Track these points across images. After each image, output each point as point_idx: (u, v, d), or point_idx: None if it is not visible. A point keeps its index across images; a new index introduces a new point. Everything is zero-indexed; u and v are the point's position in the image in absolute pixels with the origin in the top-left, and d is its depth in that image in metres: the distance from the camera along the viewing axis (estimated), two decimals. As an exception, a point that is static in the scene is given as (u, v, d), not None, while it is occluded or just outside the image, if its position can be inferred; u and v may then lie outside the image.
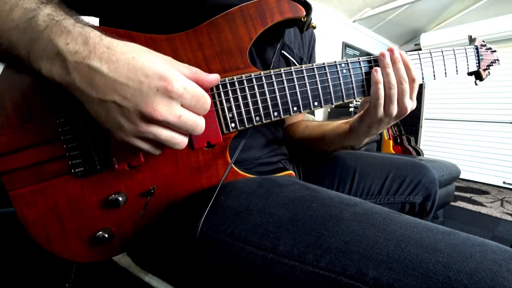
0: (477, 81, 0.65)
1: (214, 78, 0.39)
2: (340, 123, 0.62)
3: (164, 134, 0.34)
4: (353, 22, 3.46)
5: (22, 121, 0.41)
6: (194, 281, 0.41)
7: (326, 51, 3.13)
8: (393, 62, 0.47)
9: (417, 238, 0.28)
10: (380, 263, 0.27)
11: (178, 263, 0.42)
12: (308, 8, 0.47)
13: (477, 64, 0.61)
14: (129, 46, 0.32)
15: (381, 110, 0.49)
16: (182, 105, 0.33)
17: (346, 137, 0.59)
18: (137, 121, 0.32)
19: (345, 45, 3.43)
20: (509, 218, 2.13)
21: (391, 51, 0.48)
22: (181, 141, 0.36)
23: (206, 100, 0.35)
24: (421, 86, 3.76)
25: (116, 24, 0.48)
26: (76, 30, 0.31)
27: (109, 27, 0.49)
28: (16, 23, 0.31)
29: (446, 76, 0.57)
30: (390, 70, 0.47)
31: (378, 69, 0.47)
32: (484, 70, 0.62)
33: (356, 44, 3.56)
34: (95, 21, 0.52)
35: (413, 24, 3.73)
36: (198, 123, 0.36)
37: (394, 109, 0.49)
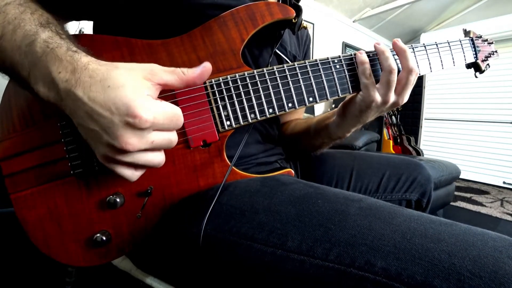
0: (477, 73, 0.65)
1: (202, 70, 0.37)
2: (326, 114, 0.62)
3: (141, 159, 0.34)
4: (353, 22, 3.46)
5: (25, 125, 0.43)
6: (199, 281, 0.41)
7: (326, 51, 3.14)
8: (402, 51, 0.48)
9: (421, 230, 0.29)
10: (387, 254, 0.28)
11: (182, 265, 0.42)
12: (298, 9, 0.49)
13: (475, 56, 0.62)
14: (109, 72, 0.32)
15: (375, 93, 0.48)
16: (154, 129, 0.34)
17: (331, 126, 0.58)
18: (113, 151, 0.33)
19: (345, 45, 3.44)
20: (509, 218, 2.13)
21: (397, 40, 0.48)
22: (159, 162, 0.36)
23: (178, 116, 0.35)
24: (421, 86, 3.77)
25: (110, 26, 0.49)
26: (66, 59, 0.32)
27: (104, 29, 0.50)
28: (18, 44, 0.33)
29: (443, 68, 0.57)
30: (389, 54, 0.47)
31: (363, 51, 0.48)
32: (483, 61, 0.63)
33: (356, 44, 3.56)
34: (89, 24, 0.53)
35: (413, 24, 3.73)
36: (171, 140, 0.36)
37: (392, 96, 0.49)
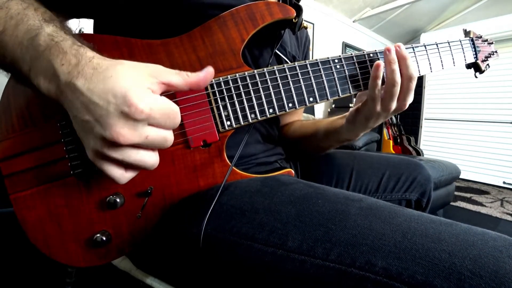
0: (477, 73, 0.65)
1: (206, 74, 0.36)
2: (335, 118, 0.63)
3: (133, 156, 0.32)
4: (353, 22, 3.46)
5: (25, 125, 0.42)
6: (199, 281, 0.41)
7: (326, 51, 3.14)
8: (402, 58, 0.47)
9: (421, 229, 0.29)
10: (388, 254, 0.28)
11: (182, 265, 0.42)
12: (298, 9, 0.48)
13: (475, 56, 0.62)
14: (113, 65, 0.31)
15: (379, 105, 0.49)
16: (149, 124, 0.32)
17: (342, 131, 0.59)
18: (104, 144, 0.31)
19: (345, 45, 3.44)
20: (509, 218, 2.13)
21: (398, 47, 0.47)
22: (152, 163, 0.34)
23: (176, 115, 0.34)
24: (421, 86, 3.77)
25: (110, 26, 0.49)
26: (71, 52, 0.32)
27: (104, 28, 0.50)
28: (20, 39, 0.32)
29: (443, 68, 0.57)
30: (396, 66, 0.46)
31: (381, 63, 0.46)
32: (483, 61, 0.63)
33: (356, 44, 3.56)
34: (90, 23, 0.53)
35: (413, 24, 3.73)
36: (167, 139, 0.34)
37: (394, 105, 0.49)
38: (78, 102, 0.31)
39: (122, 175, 0.34)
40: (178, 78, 0.35)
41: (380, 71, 0.46)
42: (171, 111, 0.33)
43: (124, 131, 0.30)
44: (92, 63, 0.31)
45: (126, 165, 0.33)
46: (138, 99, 0.30)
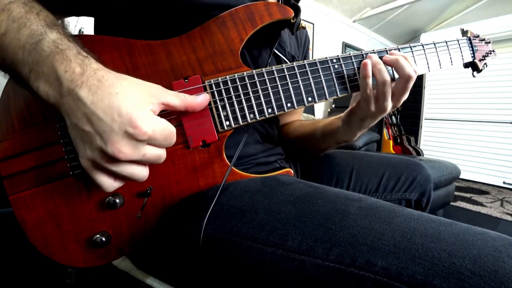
0: (475, 72, 0.66)
1: (202, 99, 0.41)
2: (332, 119, 0.63)
3: (126, 170, 0.34)
4: (353, 22, 3.46)
5: (24, 126, 0.42)
6: (199, 281, 0.41)
7: (326, 51, 3.14)
8: (394, 62, 0.47)
9: (421, 229, 0.29)
10: (388, 253, 0.28)
11: (182, 265, 0.42)
12: (296, 9, 0.49)
13: (472, 55, 0.62)
14: (119, 81, 0.33)
15: (372, 105, 0.49)
16: (148, 143, 0.34)
17: (338, 132, 0.60)
18: (103, 156, 0.33)
19: (345, 45, 3.44)
20: (509, 218, 2.13)
21: (391, 54, 0.48)
22: (142, 177, 0.36)
23: (173, 136, 0.36)
24: (421, 86, 3.77)
25: (111, 25, 0.49)
26: (76, 61, 0.33)
27: (104, 28, 0.51)
28: (22, 43, 0.33)
29: (441, 67, 0.57)
30: (382, 66, 0.47)
31: (368, 62, 0.47)
32: (480, 60, 0.63)
33: (356, 44, 3.56)
34: (90, 23, 0.54)
35: (413, 24, 3.74)
36: (161, 157, 0.36)
37: (389, 105, 0.49)
38: (80, 112, 0.32)
39: (111, 185, 0.35)
40: (176, 99, 0.38)
41: (367, 70, 0.47)
42: (170, 132, 0.35)
43: (125, 149, 0.32)
44: (97, 75, 0.32)
45: (117, 176, 0.35)
46: (142, 121, 0.32)
